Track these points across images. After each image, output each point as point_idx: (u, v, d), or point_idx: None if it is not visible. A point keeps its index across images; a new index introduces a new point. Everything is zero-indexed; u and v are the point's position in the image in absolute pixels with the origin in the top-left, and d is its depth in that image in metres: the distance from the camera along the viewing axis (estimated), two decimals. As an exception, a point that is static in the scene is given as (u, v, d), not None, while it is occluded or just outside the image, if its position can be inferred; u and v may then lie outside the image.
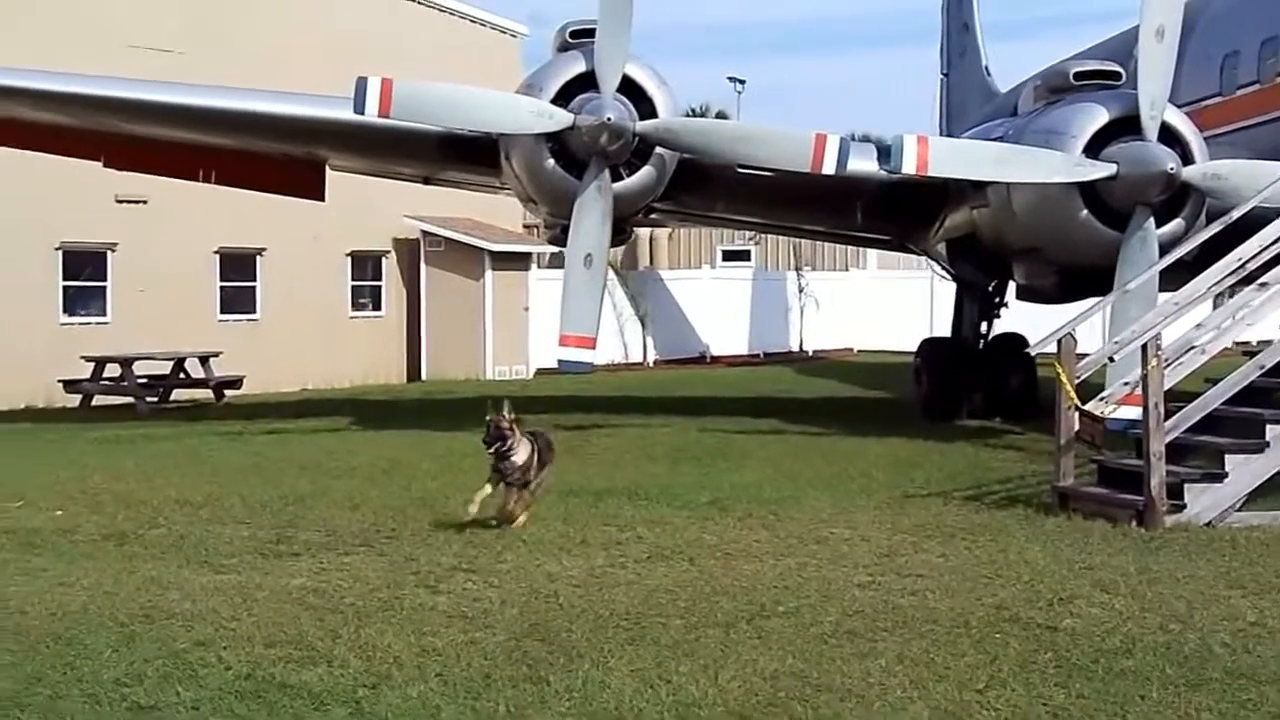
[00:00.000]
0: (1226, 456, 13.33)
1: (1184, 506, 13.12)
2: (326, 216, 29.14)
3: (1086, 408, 14.13)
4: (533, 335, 36.56)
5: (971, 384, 23.80)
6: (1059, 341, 14.54)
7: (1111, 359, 13.86)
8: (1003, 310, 24.72)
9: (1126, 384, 14.69)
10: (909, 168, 18.27)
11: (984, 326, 24.65)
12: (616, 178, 19.52)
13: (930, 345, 25.69)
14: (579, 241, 19.29)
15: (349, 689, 7.66)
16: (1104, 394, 14.95)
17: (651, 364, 40.41)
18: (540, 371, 36.36)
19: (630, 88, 19.46)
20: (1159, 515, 12.89)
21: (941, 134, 35.22)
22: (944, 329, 42.46)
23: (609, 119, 18.84)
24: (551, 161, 19.43)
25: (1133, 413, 14.57)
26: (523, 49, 39.77)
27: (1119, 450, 14.56)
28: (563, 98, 19.37)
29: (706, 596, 9.98)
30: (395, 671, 7.98)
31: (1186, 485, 13.24)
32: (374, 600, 9.88)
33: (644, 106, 19.53)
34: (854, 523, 13.30)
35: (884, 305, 46.59)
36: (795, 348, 45.97)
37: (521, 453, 12.74)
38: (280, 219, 30.69)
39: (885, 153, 19.81)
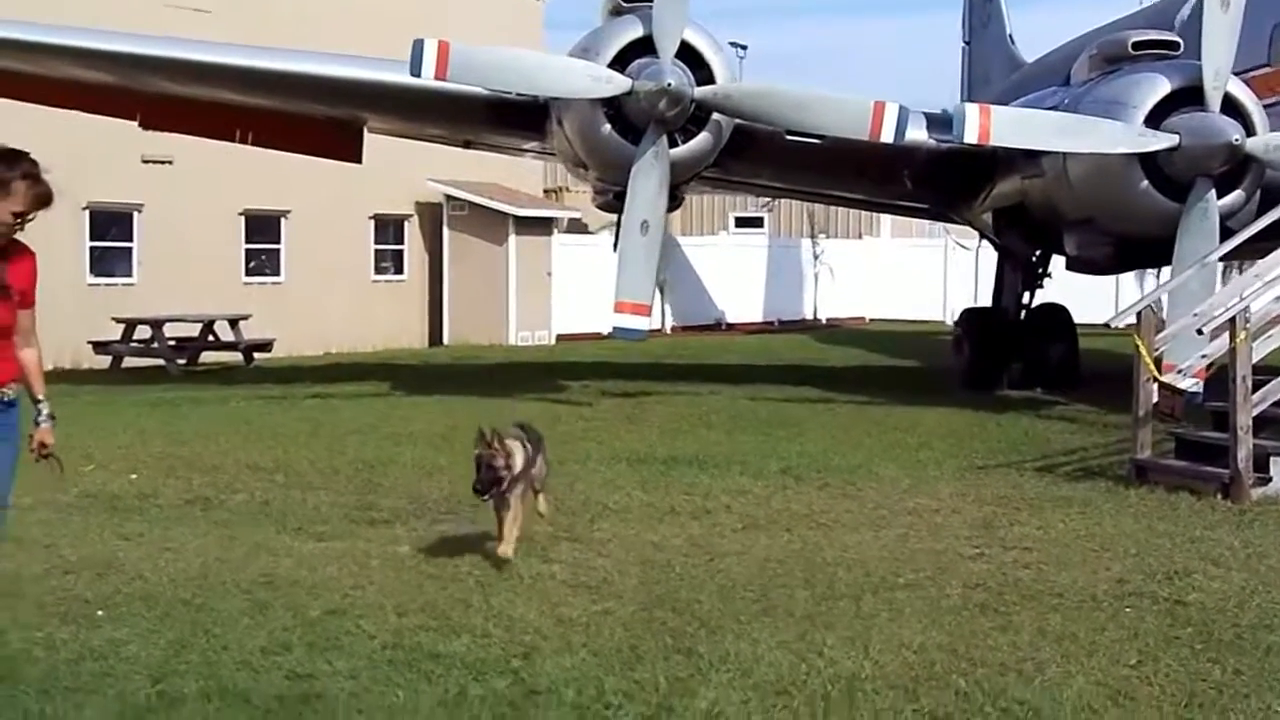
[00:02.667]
0: (1313, 431, 13.35)
1: (1269, 480, 13.13)
2: (350, 179, 28.95)
3: (1166, 380, 14.13)
4: (555, 301, 36.53)
5: (1013, 354, 23.75)
6: (1138, 314, 14.56)
7: (1200, 331, 13.79)
8: (1045, 281, 24.63)
9: (1204, 356, 14.64)
10: (971, 137, 18.16)
11: (1026, 296, 24.56)
12: (672, 144, 19.41)
13: (971, 315, 25.61)
14: (635, 208, 19.18)
15: (501, 659, 7.61)
16: (1180, 367, 14.90)
17: (669, 330, 40.34)
18: (561, 337, 36.35)
19: (687, 53, 19.33)
20: (1245, 488, 12.89)
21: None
22: (959, 297, 42.81)
23: (669, 85, 18.71)
24: (608, 127, 19.31)
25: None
26: (544, 14, 39.66)
27: (1195, 424, 14.59)
28: (619, 62, 19.24)
29: (821, 568, 9.94)
30: (541, 642, 7.93)
31: (1272, 458, 13.24)
32: (490, 569, 9.85)
33: (701, 73, 19.40)
34: (936, 494, 13.27)
35: (898, 273, 46.57)
36: (809, 315, 45.97)
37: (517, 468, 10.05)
38: (304, 181, 30.62)
39: (945, 122, 19.76)
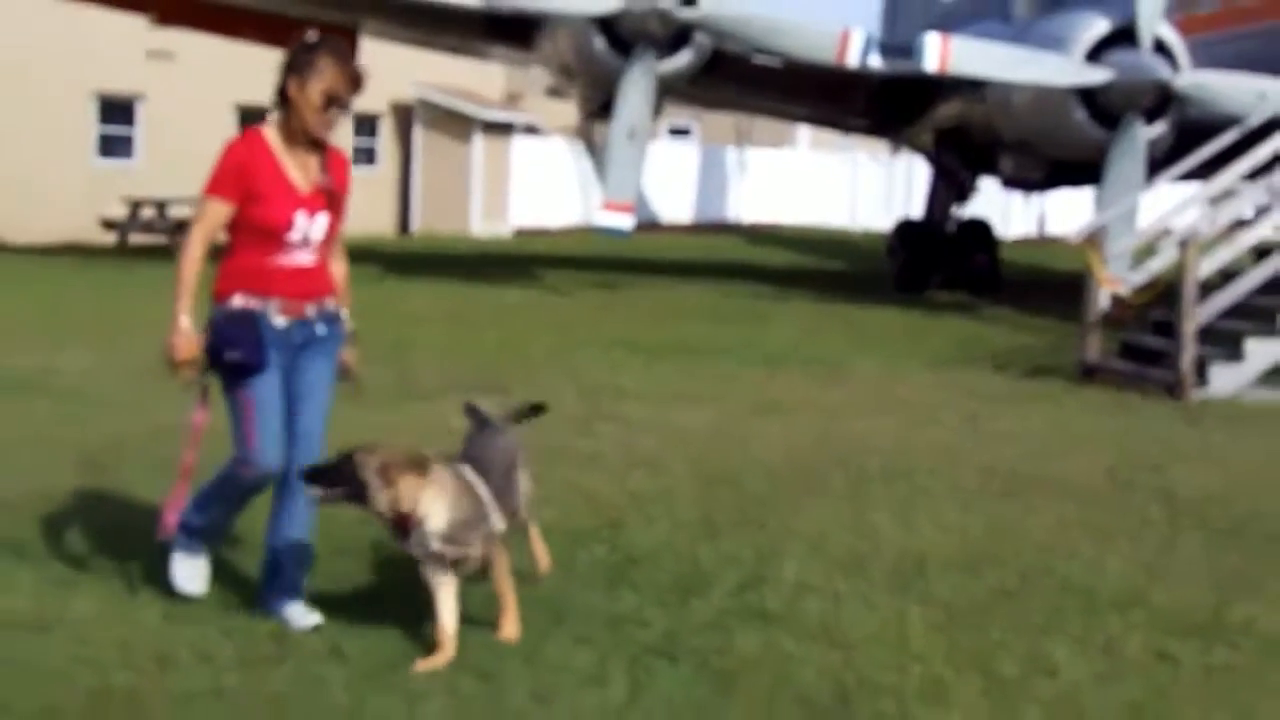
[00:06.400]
0: (1246, 339, 13.42)
1: (1207, 382, 13.23)
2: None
3: (1117, 292, 14.18)
4: (513, 197, 36.18)
5: (941, 262, 23.82)
6: (1091, 231, 14.60)
7: (1154, 251, 13.87)
8: (972, 196, 24.69)
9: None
10: (932, 65, 18.08)
11: (954, 210, 24.60)
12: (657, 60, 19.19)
13: (906, 226, 25.60)
14: (624, 117, 18.96)
15: (593, 530, 7.44)
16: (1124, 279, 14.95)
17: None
18: (519, 231, 36.01)
19: (676, -23, 19.11)
20: (1189, 390, 12.99)
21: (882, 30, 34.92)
22: (867, 206, 42.81)
23: (661, 5, 18.49)
24: (601, 41, 19.07)
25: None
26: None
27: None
28: (612, -17, 18.97)
29: (845, 453, 9.78)
30: (623, 516, 7.76)
31: (1211, 363, 13.34)
32: (546, 443, 9.63)
33: (686, -5, 19.20)
34: (916, 385, 13.27)
35: (813, 182, 46.39)
36: (732, 219, 45.72)
37: (429, 498, 5.45)
38: (293, 78, 30.05)
39: (901, 50, 19.64)
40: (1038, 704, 5.28)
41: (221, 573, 6.32)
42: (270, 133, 5.72)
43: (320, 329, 5.84)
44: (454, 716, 5.04)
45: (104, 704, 5.01)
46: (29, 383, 11.45)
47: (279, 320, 5.69)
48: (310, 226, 5.72)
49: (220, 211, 5.68)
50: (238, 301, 5.68)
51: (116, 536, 6.94)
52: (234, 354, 5.61)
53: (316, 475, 5.46)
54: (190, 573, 6.03)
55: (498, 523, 5.65)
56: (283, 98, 5.66)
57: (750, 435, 10.42)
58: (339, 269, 6.04)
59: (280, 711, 5.03)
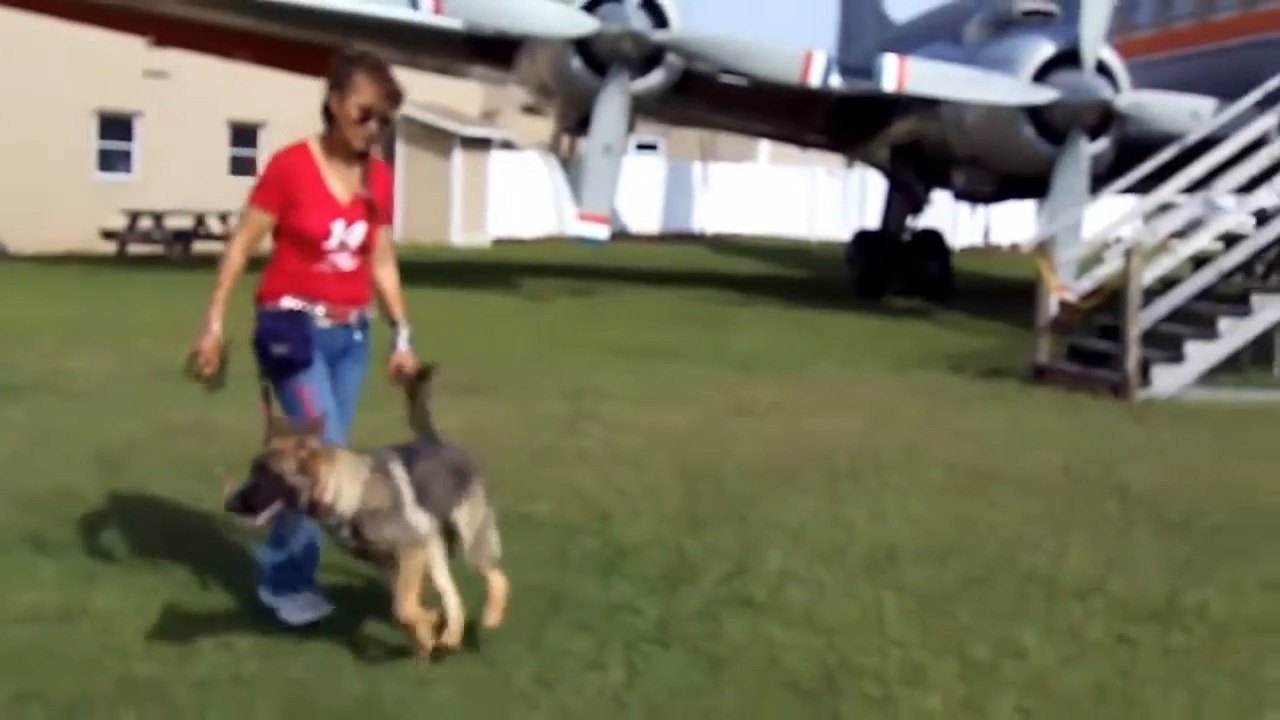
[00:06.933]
0: (1186, 342, 13.51)
1: (1150, 383, 13.31)
2: (319, 95, 28.21)
3: (1066, 298, 14.25)
4: (491, 208, 36.15)
5: (897, 270, 23.92)
6: (1041, 242, 14.68)
7: (1100, 259, 13.96)
8: (926, 208, 24.79)
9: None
10: (889, 85, 18.16)
11: (909, 221, 24.69)
12: (631, 79, 19.22)
13: (864, 235, 25.72)
14: (600, 133, 18.99)
15: (583, 523, 7.45)
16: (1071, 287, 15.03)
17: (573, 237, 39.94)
18: (497, 241, 35.96)
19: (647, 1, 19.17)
20: (1133, 389, 13.08)
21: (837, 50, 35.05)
22: (824, 217, 42.86)
23: (634, 28, 18.53)
24: (578, 62, 19.09)
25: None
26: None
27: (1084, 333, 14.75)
28: (589, 7, 18.99)
29: (817, 451, 9.81)
30: (611, 509, 7.77)
31: (1153, 365, 13.42)
32: (534, 442, 9.69)
33: (658, 18, 19.22)
34: (878, 386, 13.32)
35: (773, 194, 46.44)
36: (696, 229, 45.74)
37: (337, 480, 5.09)
38: (279, 95, 29.87)
39: (861, 71, 19.71)
40: (1011, 685, 5.32)
41: (239, 564, 6.31)
42: (315, 144, 5.67)
43: (357, 335, 5.80)
44: (463, 700, 5.04)
45: (131, 691, 4.99)
46: (43, 384, 11.38)
47: (323, 323, 5.64)
48: (348, 235, 5.65)
49: (261, 220, 5.64)
50: (286, 302, 5.61)
51: (135, 530, 6.93)
52: (281, 348, 5.55)
53: (247, 502, 4.99)
54: (296, 606, 5.74)
55: (417, 522, 5.23)
56: (327, 112, 5.60)
57: (727, 434, 10.44)
58: (390, 276, 5.92)
59: (298, 697, 5.03)
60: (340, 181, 5.65)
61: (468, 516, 5.43)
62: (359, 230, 5.67)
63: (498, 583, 5.47)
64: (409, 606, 5.20)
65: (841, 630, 5.87)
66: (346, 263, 5.66)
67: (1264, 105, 15.53)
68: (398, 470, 5.24)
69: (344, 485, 5.08)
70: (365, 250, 5.73)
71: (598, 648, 5.55)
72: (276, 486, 4.98)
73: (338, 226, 5.59)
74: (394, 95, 5.58)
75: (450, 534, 5.42)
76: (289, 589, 5.76)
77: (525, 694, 5.09)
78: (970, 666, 5.50)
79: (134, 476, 8.12)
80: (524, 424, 10.46)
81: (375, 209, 5.71)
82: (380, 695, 5.04)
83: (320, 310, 5.62)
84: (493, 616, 5.43)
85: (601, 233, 19.64)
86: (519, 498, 7.96)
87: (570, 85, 19.51)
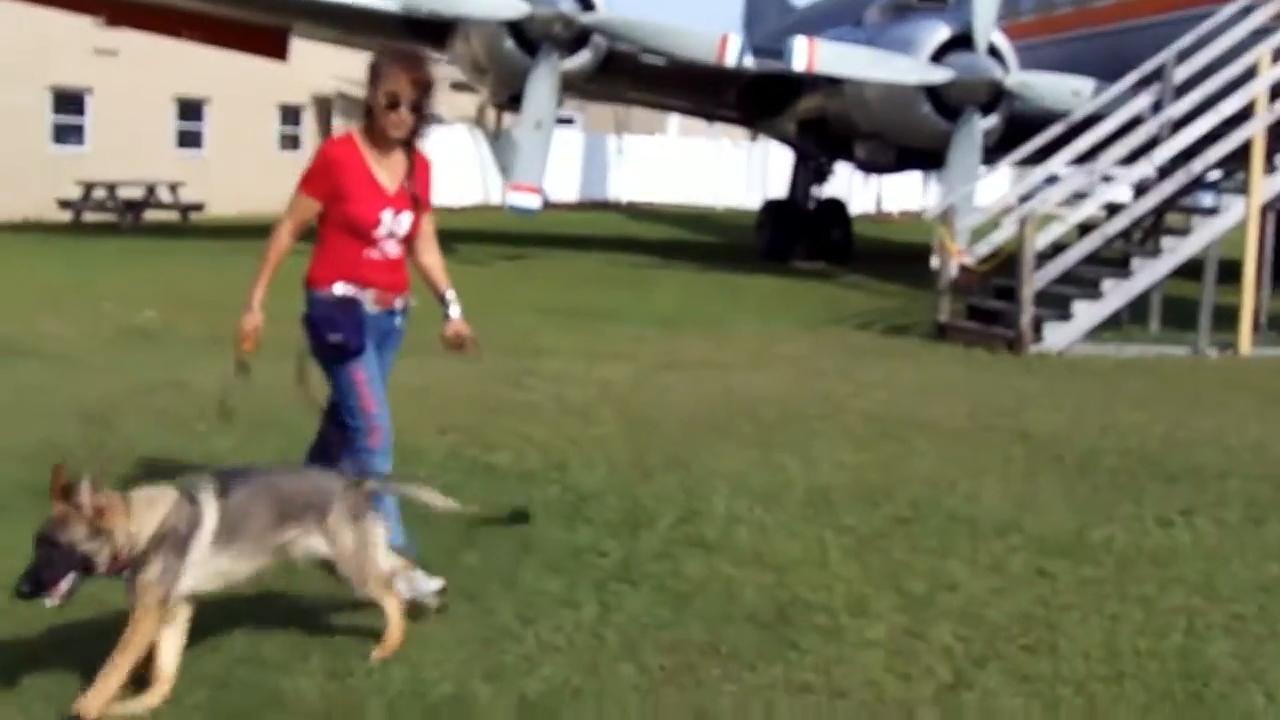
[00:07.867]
0: (1074, 301, 13.73)
1: (1042, 339, 13.52)
2: (260, 73, 27.82)
3: (965, 262, 14.42)
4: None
5: (803, 235, 24.03)
6: (943, 210, 14.82)
7: (997, 226, 14.13)
8: (829, 178, 24.92)
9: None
10: (800, 65, 18.19)
11: (814, 190, 24.81)
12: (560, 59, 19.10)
13: (772, 204, 25.81)
14: (531, 109, 18.90)
15: (543, 470, 7.49)
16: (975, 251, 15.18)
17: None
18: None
19: (575, -16, 19.04)
20: (1026, 345, 13.29)
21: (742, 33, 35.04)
22: (732, 187, 42.95)
23: (564, 11, 18.40)
24: (510, 42, 18.94)
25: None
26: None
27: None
28: (520, -9, 18.85)
29: (744, 402, 9.90)
30: (566, 459, 7.80)
31: (1044, 322, 13.63)
32: (488, 397, 9.68)
33: (584, 1, 19.10)
34: (794, 343, 13.40)
35: (682, 165, 46.40)
36: (612, 198, 45.65)
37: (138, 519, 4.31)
38: (223, 72, 29.48)
39: (773, 52, 19.73)
40: (946, 615, 5.41)
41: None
42: (359, 137, 5.48)
43: (399, 321, 5.69)
44: (450, 635, 5.04)
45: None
46: (17, 346, 11.18)
47: (372, 309, 5.51)
48: (396, 223, 5.48)
49: (309, 206, 5.47)
50: (339, 289, 5.46)
51: (122, 480, 6.82)
52: (336, 336, 5.42)
53: (39, 580, 4.13)
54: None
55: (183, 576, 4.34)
56: (367, 105, 5.46)
57: (663, 387, 10.49)
58: (436, 256, 5.78)
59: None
60: (385, 171, 5.46)
61: (327, 547, 4.71)
62: (406, 219, 5.51)
63: (394, 614, 4.76)
64: (100, 691, 4.15)
65: (789, 567, 5.94)
66: (394, 250, 5.52)
67: (1140, 86, 15.73)
68: (207, 500, 4.44)
69: (142, 528, 4.28)
70: (409, 239, 5.59)
71: (569, 587, 5.58)
72: (69, 558, 4.14)
73: (386, 215, 5.43)
74: (420, 82, 5.34)
75: (327, 565, 4.79)
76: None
77: (509, 629, 5.10)
78: (909, 598, 5.59)
79: (118, 430, 8.02)
80: (475, 380, 10.39)
81: (419, 200, 5.55)
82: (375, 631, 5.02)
83: (369, 296, 5.49)
84: (378, 652, 4.72)
85: (534, 202, 19.57)
86: (482, 449, 7.99)
87: (503, 65, 19.37)
